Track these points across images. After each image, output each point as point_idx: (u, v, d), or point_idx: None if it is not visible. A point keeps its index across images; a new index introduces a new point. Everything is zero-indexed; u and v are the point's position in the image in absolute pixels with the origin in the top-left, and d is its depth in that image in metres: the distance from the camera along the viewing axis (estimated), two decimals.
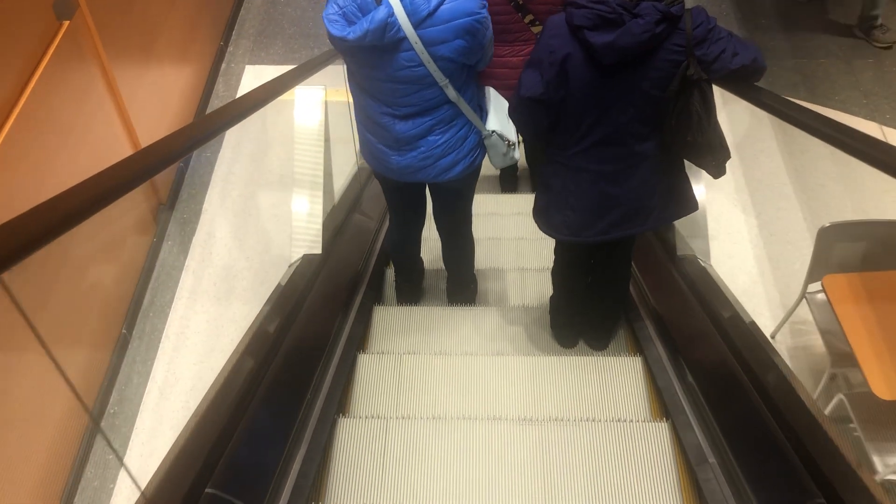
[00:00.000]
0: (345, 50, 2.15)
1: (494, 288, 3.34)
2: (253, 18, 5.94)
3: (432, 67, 2.11)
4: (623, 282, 2.70)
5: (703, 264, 2.77)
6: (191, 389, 3.59)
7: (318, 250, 2.77)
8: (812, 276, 3.07)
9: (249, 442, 1.91)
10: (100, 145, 3.56)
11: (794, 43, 5.40)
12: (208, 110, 5.19)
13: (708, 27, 1.90)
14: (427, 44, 2.06)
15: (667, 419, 2.36)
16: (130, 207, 4.00)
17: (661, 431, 2.31)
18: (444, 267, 3.16)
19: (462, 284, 3.13)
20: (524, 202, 3.48)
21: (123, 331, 3.80)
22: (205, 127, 1.91)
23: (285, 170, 4.70)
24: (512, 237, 3.66)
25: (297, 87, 2.88)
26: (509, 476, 2.27)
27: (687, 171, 2.30)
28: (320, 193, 2.79)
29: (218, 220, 4.47)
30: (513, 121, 2.24)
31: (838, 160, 4.49)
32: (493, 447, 2.32)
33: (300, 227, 2.78)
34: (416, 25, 2.04)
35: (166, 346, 3.81)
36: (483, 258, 3.40)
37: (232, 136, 4.92)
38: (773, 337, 3.58)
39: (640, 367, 2.64)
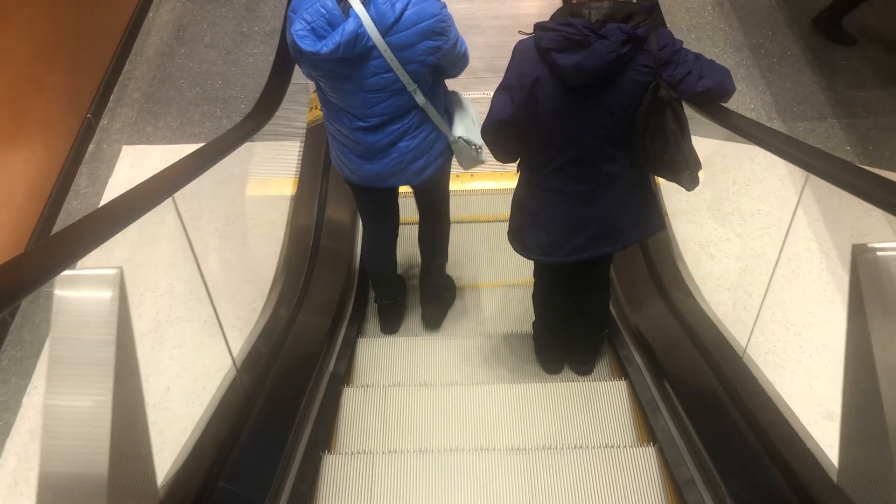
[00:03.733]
0: (315, 65, 2.17)
1: (477, 314, 3.21)
2: (141, 76, 4.32)
3: (401, 73, 2.18)
4: (603, 301, 2.71)
5: None
6: None
7: None
8: None
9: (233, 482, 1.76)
10: None
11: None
12: (62, 218, 3.56)
13: (673, 49, 1.93)
14: (395, 49, 2.12)
15: (653, 443, 2.36)
16: None
17: (648, 456, 2.31)
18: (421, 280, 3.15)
19: (437, 279, 3.11)
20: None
21: None
22: (27, 269, 1.19)
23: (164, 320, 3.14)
24: (492, 257, 3.50)
25: (61, 274, 1.32)
26: None
27: None
28: None
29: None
30: (484, 142, 2.23)
31: None
32: (481, 478, 2.30)
33: None
34: (384, 33, 2.09)
35: None
36: (466, 280, 3.36)
37: (92, 257, 3.26)
38: None
39: (624, 391, 2.62)
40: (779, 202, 3.51)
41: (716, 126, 2.59)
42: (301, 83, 4.13)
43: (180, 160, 1.78)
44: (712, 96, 2.02)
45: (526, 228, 2.30)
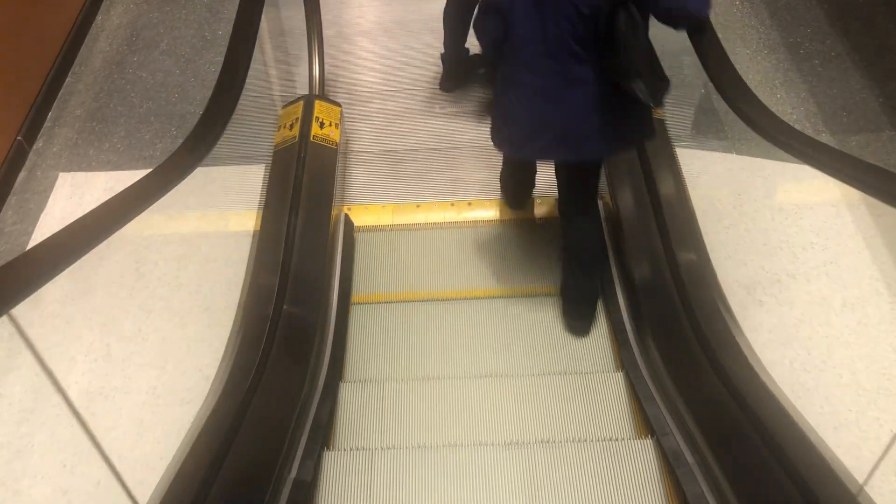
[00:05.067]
0: None
1: (474, 307, 2.92)
2: (85, 90, 3.74)
3: None
4: (594, 215, 2.68)
5: None
6: None
7: None
8: None
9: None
10: None
11: None
12: None
13: None
14: None
15: (651, 436, 2.35)
16: None
17: (646, 448, 2.31)
18: None
19: None
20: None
21: None
22: None
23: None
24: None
25: None
26: (497, 502, 2.26)
27: None
28: None
29: None
30: (475, 31, 2.32)
31: None
32: (480, 472, 2.31)
33: None
34: None
35: None
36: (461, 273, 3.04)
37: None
38: None
39: (622, 383, 2.58)
40: (835, 233, 2.96)
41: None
42: (267, 96, 3.57)
43: (36, 248, 1.23)
44: (673, 18, 2.00)
45: (501, 121, 2.40)
